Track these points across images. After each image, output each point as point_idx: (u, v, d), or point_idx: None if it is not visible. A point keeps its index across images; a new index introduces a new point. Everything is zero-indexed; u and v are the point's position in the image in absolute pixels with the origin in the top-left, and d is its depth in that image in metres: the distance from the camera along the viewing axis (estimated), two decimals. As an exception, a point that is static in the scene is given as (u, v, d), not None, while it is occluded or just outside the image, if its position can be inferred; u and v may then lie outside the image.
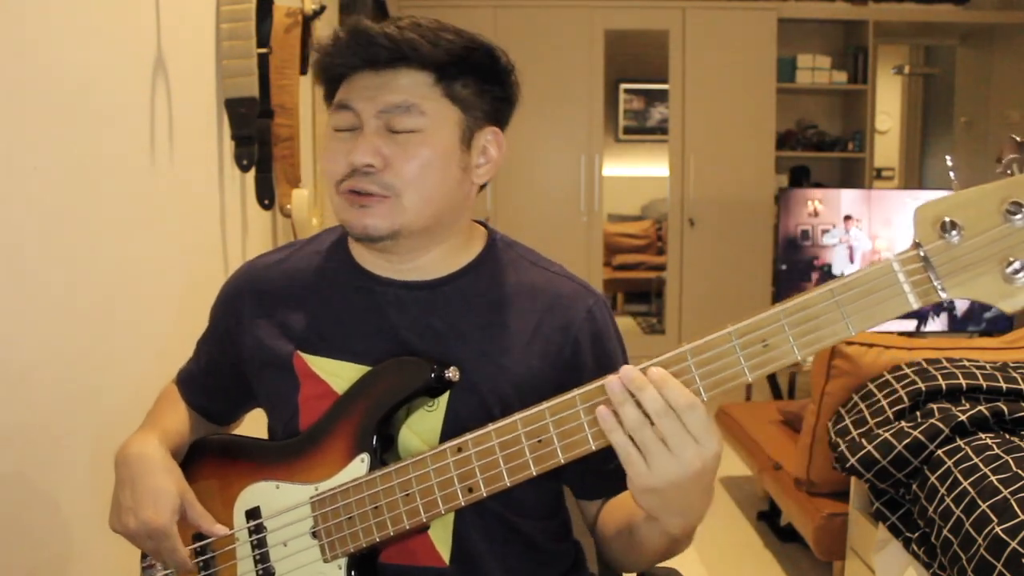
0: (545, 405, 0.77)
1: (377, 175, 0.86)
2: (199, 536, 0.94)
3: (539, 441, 0.77)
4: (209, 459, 0.99)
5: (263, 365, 0.97)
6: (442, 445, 0.82)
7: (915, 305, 0.68)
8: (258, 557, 0.91)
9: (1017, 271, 0.65)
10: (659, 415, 0.71)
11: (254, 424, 1.12)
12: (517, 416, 0.78)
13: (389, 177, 0.86)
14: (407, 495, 0.83)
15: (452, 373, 0.87)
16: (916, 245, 0.68)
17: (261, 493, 0.92)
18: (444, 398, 0.90)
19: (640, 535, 0.87)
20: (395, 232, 0.88)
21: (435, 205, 0.88)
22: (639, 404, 0.72)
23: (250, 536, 0.92)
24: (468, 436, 0.80)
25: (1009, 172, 0.66)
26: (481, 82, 0.90)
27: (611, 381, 0.73)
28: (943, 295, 0.67)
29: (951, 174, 0.69)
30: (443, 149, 0.88)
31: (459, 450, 0.80)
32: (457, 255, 0.95)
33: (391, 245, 0.90)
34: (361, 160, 0.85)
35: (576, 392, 0.76)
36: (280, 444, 0.94)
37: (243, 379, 1.01)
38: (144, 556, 0.98)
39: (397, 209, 0.87)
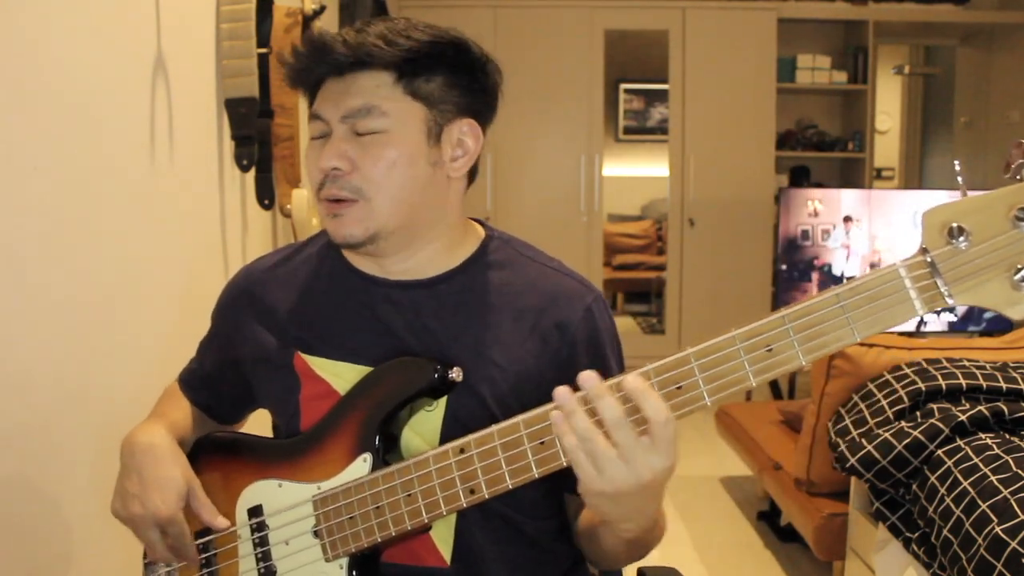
0: (548, 406, 0.77)
1: (345, 178, 0.87)
2: (202, 533, 0.94)
3: (541, 443, 0.77)
4: (212, 456, 0.99)
5: (263, 366, 0.97)
6: (445, 445, 0.82)
7: (921, 311, 0.67)
8: (260, 555, 0.91)
9: None
10: (614, 426, 0.70)
11: (259, 423, 1.12)
12: (520, 417, 0.78)
13: (357, 180, 0.87)
14: (409, 495, 0.83)
15: (455, 373, 0.87)
16: (923, 251, 0.68)
17: (263, 491, 0.92)
18: (443, 399, 0.90)
19: (598, 536, 0.88)
20: (372, 236, 0.88)
21: (407, 204, 0.89)
22: (595, 413, 0.71)
23: (252, 534, 0.92)
24: (471, 437, 0.80)
25: (1018, 177, 0.65)
26: (450, 75, 0.90)
27: (559, 390, 0.72)
28: (950, 301, 0.67)
29: (959, 179, 0.68)
30: (409, 147, 0.88)
31: (461, 451, 0.80)
32: (451, 253, 0.95)
33: (373, 249, 0.90)
34: (328, 164, 0.87)
35: (580, 393, 0.76)
36: (283, 443, 0.94)
37: (245, 380, 1.01)
38: (146, 554, 0.98)
39: (368, 213, 0.88)
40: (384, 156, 0.87)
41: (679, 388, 0.73)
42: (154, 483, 0.90)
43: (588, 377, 0.71)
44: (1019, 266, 0.65)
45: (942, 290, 0.67)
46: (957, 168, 0.71)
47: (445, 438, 0.88)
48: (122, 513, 0.92)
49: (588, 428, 0.71)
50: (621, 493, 0.72)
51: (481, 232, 0.98)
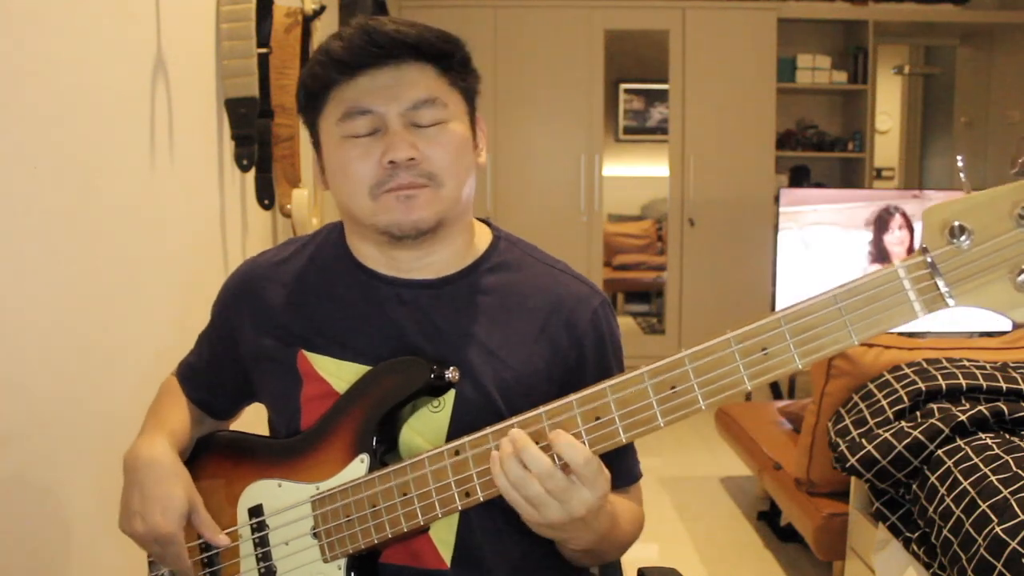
0: (542, 409, 0.77)
1: (418, 167, 0.87)
2: (203, 532, 0.95)
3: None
4: (214, 456, 0.99)
5: (265, 363, 0.97)
6: (440, 447, 0.82)
7: (921, 314, 0.66)
8: (260, 555, 0.91)
9: None
10: (544, 476, 0.74)
11: (256, 420, 1.12)
12: (514, 420, 0.78)
13: (428, 168, 0.87)
14: (405, 497, 0.83)
15: (452, 373, 0.87)
16: (923, 250, 0.66)
17: (263, 491, 0.92)
18: (450, 399, 0.89)
19: (559, 549, 0.91)
20: (439, 221, 0.89)
21: (465, 189, 0.91)
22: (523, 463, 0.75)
23: (252, 534, 0.92)
24: (466, 439, 0.80)
25: None
26: (462, 70, 0.92)
27: (493, 455, 0.76)
28: (951, 303, 0.65)
29: (961, 175, 0.67)
30: (464, 136, 0.91)
31: (456, 453, 0.80)
32: (462, 254, 0.95)
33: (428, 238, 0.90)
34: (403, 155, 0.85)
35: (573, 397, 0.76)
36: (283, 442, 0.94)
37: (244, 375, 1.01)
38: None
39: (438, 197, 0.88)
40: (451, 144, 0.88)
41: (674, 391, 0.73)
42: (155, 501, 0.90)
43: (514, 434, 0.76)
44: (1022, 267, 0.63)
45: (943, 291, 0.65)
46: (960, 164, 0.69)
47: (451, 438, 0.88)
48: (127, 530, 0.93)
49: (520, 476, 0.75)
50: (556, 526, 0.77)
51: (489, 233, 0.99)
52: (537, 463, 0.74)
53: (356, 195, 0.88)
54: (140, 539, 0.92)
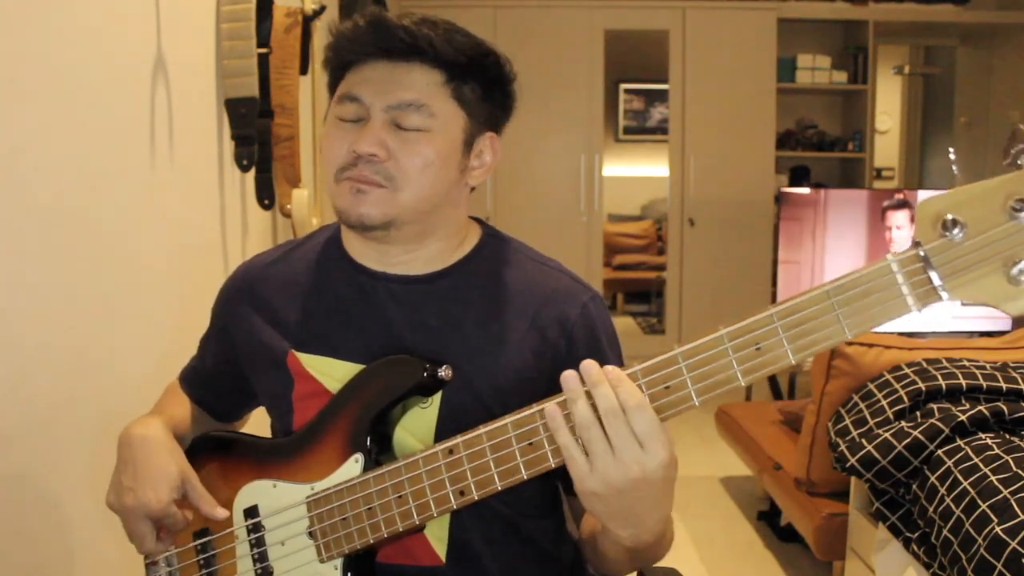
0: (536, 408, 0.76)
1: (380, 164, 0.87)
2: (200, 534, 0.95)
3: (530, 444, 0.76)
4: (209, 456, 0.99)
5: (259, 363, 0.97)
6: (434, 447, 0.81)
7: (915, 308, 0.65)
8: (257, 556, 0.91)
9: (1023, 272, 0.62)
10: (608, 414, 0.70)
11: (260, 424, 1.12)
12: (508, 419, 0.77)
13: (391, 168, 0.87)
14: (399, 496, 0.82)
15: (445, 372, 0.86)
16: (916, 244, 0.65)
17: (259, 491, 0.92)
18: (438, 394, 0.90)
19: (600, 544, 0.87)
20: (388, 222, 0.88)
21: (430, 202, 0.89)
22: (592, 401, 0.71)
23: (248, 535, 0.92)
24: (459, 438, 0.80)
25: (1020, 163, 0.62)
26: (487, 88, 0.91)
27: (567, 375, 0.72)
28: (944, 296, 0.64)
29: (953, 168, 0.66)
30: (446, 150, 0.89)
31: (450, 452, 0.80)
32: (452, 250, 0.95)
33: (383, 236, 0.90)
34: (366, 149, 0.86)
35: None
36: (277, 442, 0.94)
37: (244, 377, 1.01)
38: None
39: (392, 200, 0.87)
40: (423, 154, 0.87)
41: (667, 388, 0.72)
42: (147, 476, 0.91)
43: (589, 365, 0.71)
44: (1016, 259, 0.62)
45: (936, 284, 0.64)
46: (952, 157, 0.68)
47: (440, 434, 0.88)
48: (115, 504, 0.93)
49: (589, 416, 0.70)
50: (612, 492, 0.71)
51: (479, 230, 0.99)
52: (606, 399, 0.70)
53: (327, 173, 0.91)
54: (130, 514, 0.91)
